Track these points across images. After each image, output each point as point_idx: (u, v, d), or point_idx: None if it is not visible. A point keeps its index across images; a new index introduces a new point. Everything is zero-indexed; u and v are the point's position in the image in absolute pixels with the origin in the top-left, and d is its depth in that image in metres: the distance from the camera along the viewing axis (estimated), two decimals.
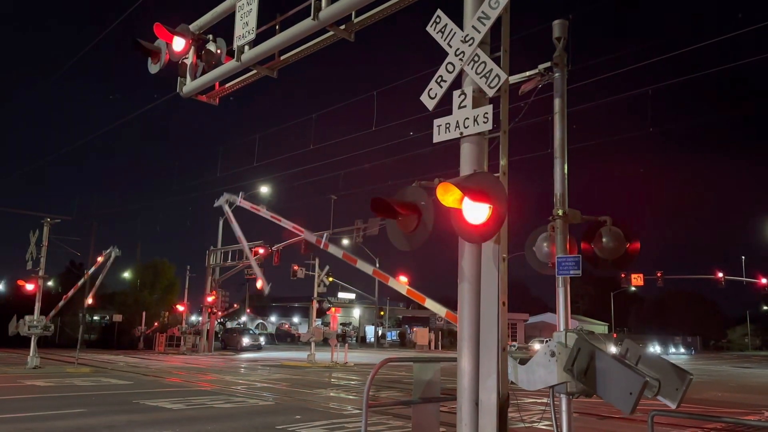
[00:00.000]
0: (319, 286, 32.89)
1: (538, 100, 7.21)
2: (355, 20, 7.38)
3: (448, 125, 5.29)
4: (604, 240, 6.80)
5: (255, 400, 15.31)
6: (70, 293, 26.70)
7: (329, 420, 12.10)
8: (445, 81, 5.32)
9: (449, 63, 5.30)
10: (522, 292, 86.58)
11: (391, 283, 18.29)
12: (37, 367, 22.59)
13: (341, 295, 67.78)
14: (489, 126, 5.03)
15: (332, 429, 11.17)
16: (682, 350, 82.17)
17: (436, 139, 5.39)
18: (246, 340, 46.65)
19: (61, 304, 25.88)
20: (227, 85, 9.45)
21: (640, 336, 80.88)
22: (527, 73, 7.02)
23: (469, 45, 5.15)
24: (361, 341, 67.60)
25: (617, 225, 6.83)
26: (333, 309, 41.00)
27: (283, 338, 63.03)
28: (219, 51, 8.73)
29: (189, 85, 9.25)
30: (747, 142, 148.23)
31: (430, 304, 15.63)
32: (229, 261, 42.04)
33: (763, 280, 40.42)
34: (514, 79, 6.92)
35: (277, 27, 7.97)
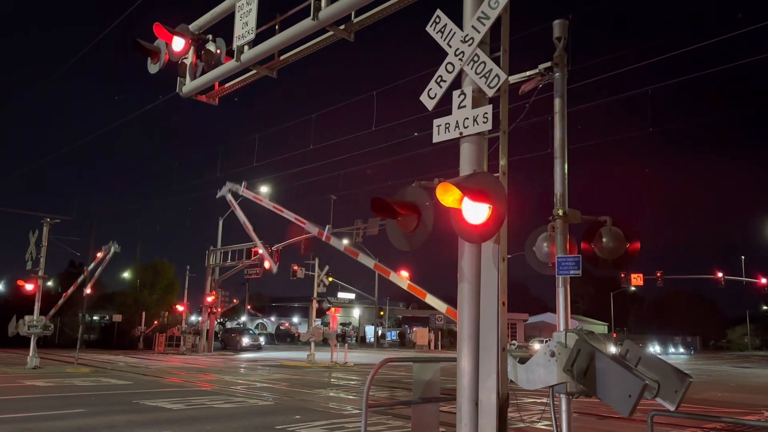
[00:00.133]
0: (318, 286, 32.88)
1: (538, 100, 7.21)
2: (355, 20, 7.38)
3: (447, 125, 5.29)
4: (604, 240, 6.80)
5: (255, 400, 15.31)
6: (70, 290, 26.68)
7: (329, 420, 12.10)
8: (444, 81, 5.32)
9: (449, 63, 5.29)
10: (522, 292, 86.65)
11: (392, 277, 18.28)
12: (36, 367, 22.58)
13: (341, 295, 67.81)
14: (489, 126, 5.03)
15: (332, 429, 11.17)
16: (682, 350, 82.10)
17: (436, 139, 5.39)
18: (246, 340, 46.59)
19: (60, 302, 25.88)
20: (227, 85, 9.46)
21: (639, 336, 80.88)
22: (527, 73, 7.02)
23: (469, 45, 5.15)
24: (361, 341, 67.61)
25: (617, 225, 6.84)
26: (333, 309, 41.04)
27: (283, 338, 63.09)
28: (219, 51, 8.73)
29: (189, 85, 9.25)
30: (747, 142, 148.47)
31: (431, 299, 15.69)
32: (229, 261, 42.07)
33: (763, 280, 40.44)
34: (514, 79, 6.92)
35: (276, 27, 7.98)
